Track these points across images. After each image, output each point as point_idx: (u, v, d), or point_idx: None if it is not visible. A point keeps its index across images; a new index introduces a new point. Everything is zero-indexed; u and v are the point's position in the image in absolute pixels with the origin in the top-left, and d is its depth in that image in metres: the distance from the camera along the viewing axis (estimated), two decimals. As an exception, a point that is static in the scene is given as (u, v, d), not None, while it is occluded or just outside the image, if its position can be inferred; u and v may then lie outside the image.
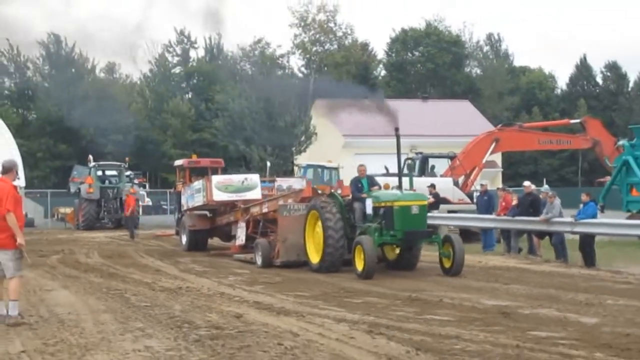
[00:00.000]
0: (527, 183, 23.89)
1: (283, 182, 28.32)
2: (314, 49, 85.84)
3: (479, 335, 9.85)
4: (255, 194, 23.06)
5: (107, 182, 41.08)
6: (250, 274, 18.17)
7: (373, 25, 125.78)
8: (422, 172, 31.61)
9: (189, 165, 28.81)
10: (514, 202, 23.16)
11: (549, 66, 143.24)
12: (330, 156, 47.75)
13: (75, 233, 35.98)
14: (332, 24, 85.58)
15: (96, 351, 9.21)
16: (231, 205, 23.67)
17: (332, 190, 19.05)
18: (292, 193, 21.30)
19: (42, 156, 63.92)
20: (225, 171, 30.89)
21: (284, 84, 55.78)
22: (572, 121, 38.48)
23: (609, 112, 78.57)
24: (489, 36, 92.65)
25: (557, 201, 21.15)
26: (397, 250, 17.83)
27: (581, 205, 20.73)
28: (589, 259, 19.99)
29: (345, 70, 79.75)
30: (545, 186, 25.73)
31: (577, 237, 21.15)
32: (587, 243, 20.44)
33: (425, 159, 32.78)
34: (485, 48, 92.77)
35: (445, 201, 28.22)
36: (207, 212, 25.37)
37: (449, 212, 27.64)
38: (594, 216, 20.65)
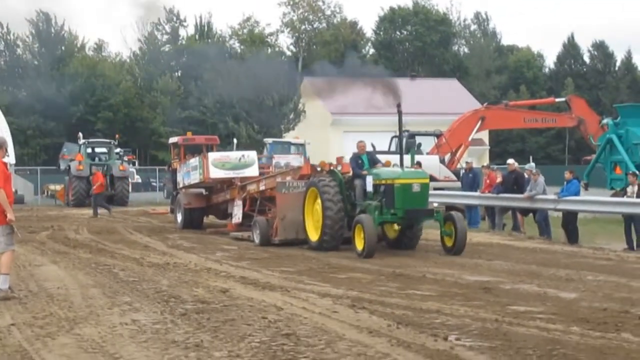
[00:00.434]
0: (510, 161, 24.18)
1: (281, 159, 28.19)
2: (303, 27, 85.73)
3: (459, 310, 10.03)
4: (253, 171, 22.63)
5: (97, 159, 41.03)
6: (237, 250, 18.30)
7: (361, 3, 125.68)
8: (408, 149, 31.68)
9: (183, 142, 28.40)
10: (498, 180, 23.39)
11: (536, 45, 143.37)
12: (319, 134, 47.95)
13: (65, 210, 35.96)
14: (320, 3, 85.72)
15: (84, 324, 9.35)
16: (228, 183, 23.28)
17: (332, 167, 18.56)
18: (290, 170, 21.01)
19: (32, 133, 63.67)
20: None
21: (273, 64, 55.52)
22: (558, 99, 38.58)
23: (596, 90, 78.87)
24: (477, 15, 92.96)
25: (541, 179, 21.37)
26: (396, 227, 17.57)
27: (565, 183, 20.99)
28: (572, 236, 20.25)
29: (333, 49, 79.68)
30: (531, 164, 25.97)
31: (560, 214, 21.41)
32: (570, 220, 20.71)
33: (412, 137, 32.87)
34: (473, 27, 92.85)
35: (432, 178, 28.19)
36: (202, 190, 25.02)
37: (435, 189, 27.78)
38: (577, 194, 20.90)
